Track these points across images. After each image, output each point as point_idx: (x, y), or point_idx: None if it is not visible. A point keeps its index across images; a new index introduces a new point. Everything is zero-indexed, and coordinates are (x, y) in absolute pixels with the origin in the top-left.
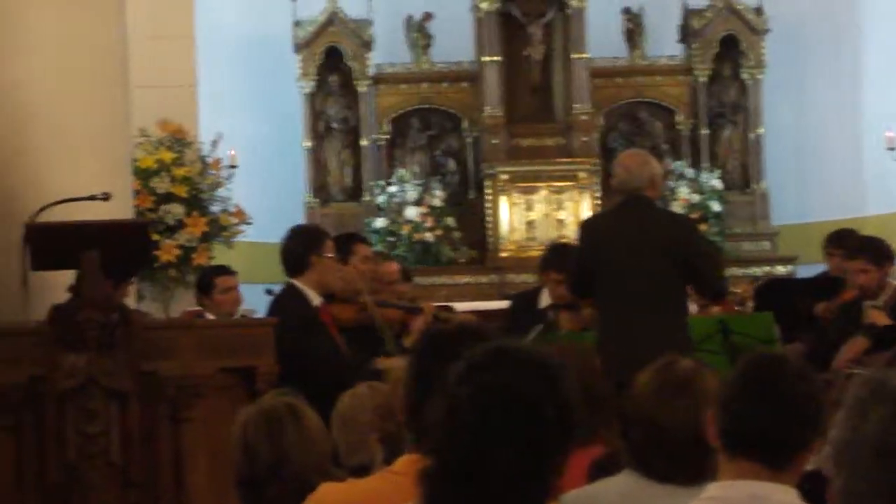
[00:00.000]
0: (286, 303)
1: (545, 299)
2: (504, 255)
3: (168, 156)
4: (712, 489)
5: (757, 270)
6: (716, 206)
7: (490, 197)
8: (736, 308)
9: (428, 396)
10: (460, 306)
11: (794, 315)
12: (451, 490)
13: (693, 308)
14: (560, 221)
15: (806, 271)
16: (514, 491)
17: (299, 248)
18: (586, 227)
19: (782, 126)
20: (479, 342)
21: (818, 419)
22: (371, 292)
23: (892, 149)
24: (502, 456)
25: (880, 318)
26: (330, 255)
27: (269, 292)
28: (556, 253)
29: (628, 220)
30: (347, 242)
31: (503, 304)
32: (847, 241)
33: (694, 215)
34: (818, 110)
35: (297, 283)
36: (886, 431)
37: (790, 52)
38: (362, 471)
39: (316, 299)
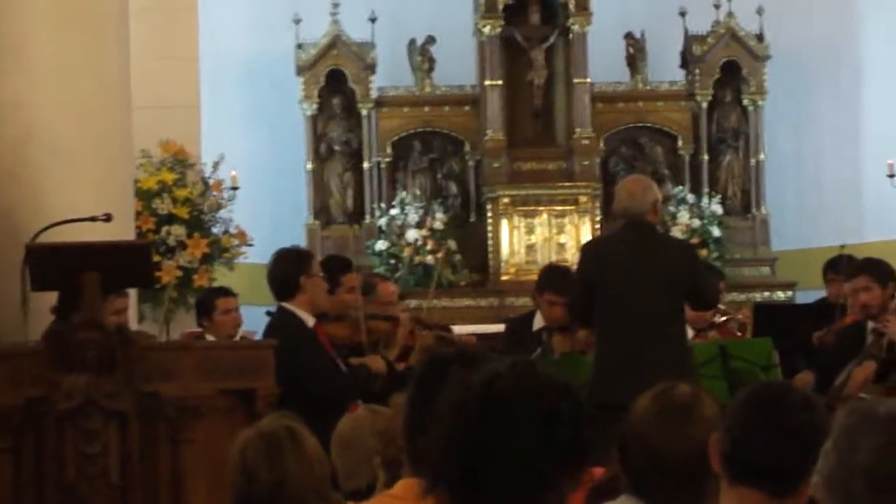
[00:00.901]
0: (281, 326)
1: (539, 321)
2: (505, 278)
3: (170, 177)
4: None
5: (757, 296)
6: (716, 232)
7: (491, 220)
8: (736, 334)
9: (427, 420)
10: (459, 329)
11: (794, 341)
12: (453, 482)
13: (689, 333)
14: (561, 245)
15: (805, 297)
16: (515, 493)
17: (288, 271)
18: (587, 251)
19: (783, 152)
20: (478, 366)
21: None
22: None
23: (892, 175)
24: (512, 461)
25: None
26: (318, 274)
27: (269, 314)
28: (553, 274)
29: (630, 244)
30: (334, 273)
31: (502, 327)
32: (846, 266)
33: (694, 240)
34: (819, 137)
35: (289, 305)
36: (879, 461)
37: (791, 79)
38: (361, 495)
39: (310, 320)
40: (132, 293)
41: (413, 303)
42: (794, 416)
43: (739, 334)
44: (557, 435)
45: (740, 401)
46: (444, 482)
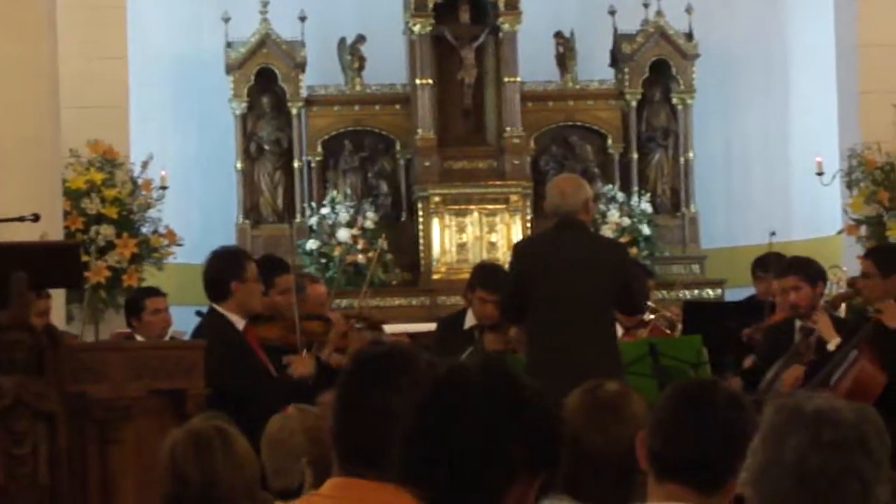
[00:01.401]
0: (209, 330)
1: (470, 319)
2: (436, 277)
3: (98, 176)
4: None
5: (686, 294)
6: (645, 230)
7: (422, 219)
8: (666, 331)
9: (355, 418)
10: (390, 328)
11: (723, 338)
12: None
13: (619, 331)
14: (492, 244)
15: (734, 295)
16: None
17: (219, 275)
18: (519, 249)
19: (712, 150)
20: (409, 364)
21: (748, 445)
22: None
23: (820, 173)
24: (485, 459)
25: (825, 323)
26: (251, 279)
27: (199, 314)
28: (484, 272)
29: (562, 243)
30: (268, 274)
31: (434, 326)
32: (775, 264)
33: (624, 239)
34: (747, 135)
35: (220, 308)
36: (804, 457)
37: (720, 78)
38: (291, 494)
39: (240, 323)
40: (61, 294)
41: (344, 302)
42: (719, 412)
43: (669, 332)
44: (525, 431)
45: (667, 397)
46: (409, 480)
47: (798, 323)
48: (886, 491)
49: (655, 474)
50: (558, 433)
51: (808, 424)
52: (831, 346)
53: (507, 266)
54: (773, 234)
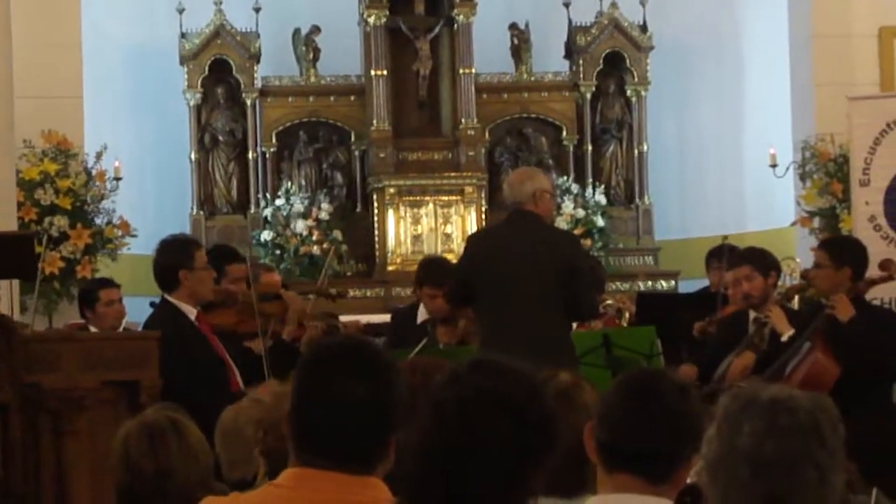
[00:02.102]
0: (160, 321)
1: (422, 314)
2: (391, 268)
3: (52, 167)
4: (591, 503)
5: (640, 285)
6: (600, 222)
7: (377, 210)
8: (616, 321)
9: (311, 409)
10: (345, 319)
11: (676, 330)
12: (432, 490)
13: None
14: (447, 235)
15: (687, 286)
16: (496, 495)
17: (168, 264)
18: (472, 240)
19: (666, 142)
20: (365, 355)
21: (697, 434)
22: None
23: (773, 165)
24: (486, 460)
25: (778, 316)
26: (200, 267)
27: (153, 305)
28: (429, 268)
29: (512, 234)
30: (219, 262)
31: (389, 317)
32: (728, 255)
33: (578, 231)
34: (701, 127)
35: (171, 298)
36: (760, 444)
37: (674, 70)
38: (246, 485)
39: (192, 312)
40: (14, 284)
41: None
42: (667, 402)
43: (618, 321)
44: (528, 434)
45: (614, 389)
46: (416, 490)
47: (752, 314)
48: (841, 479)
49: (604, 465)
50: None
51: (763, 412)
52: (785, 338)
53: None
54: (725, 237)
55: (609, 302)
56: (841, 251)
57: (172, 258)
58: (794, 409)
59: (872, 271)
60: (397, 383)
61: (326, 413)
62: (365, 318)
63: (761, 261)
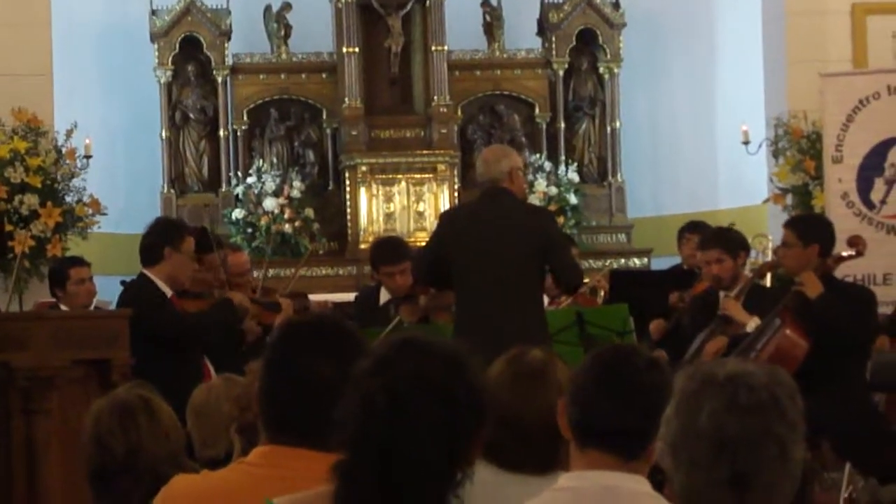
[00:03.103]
0: (135, 291)
1: (385, 295)
2: (363, 246)
3: (22, 145)
4: (564, 480)
5: (613, 263)
6: (572, 199)
7: (349, 188)
8: (590, 299)
9: (282, 387)
10: (315, 297)
11: (649, 306)
12: (367, 479)
13: (546, 300)
14: (419, 213)
15: (660, 264)
16: (430, 476)
17: (155, 238)
18: (445, 218)
19: (638, 120)
20: (335, 333)
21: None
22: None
23: (746, 142)
24: (418, 442)
25: (735, 309)
26: (186, 252)
27: (123, 283)
28: (380, 248)
29: (486, 211)
30: (197, 251)
31: None
32: (701, 231)
33: (551, 208)
34: (673, 104)
35: (149, 273)
36: (720, 424)
37: (646, 47)
38: (217, 463)
39: (167, 291)
40: None
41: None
42: (639, 378)
43: (591, 298)
44: (459, 413)
45: (586, 365)
46: (350, 477)
47: (722, 294)
48: (802, 450)
49: (577, 442)
50: (487, 391)
51: (721, 390)
52: (751, 328)
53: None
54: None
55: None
56: (807, 229)
57: (162, 234)
58: (752, 386)
59: (841, 248)
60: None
61: (294, 391)
62: (334, 298)
63: (730, 243)
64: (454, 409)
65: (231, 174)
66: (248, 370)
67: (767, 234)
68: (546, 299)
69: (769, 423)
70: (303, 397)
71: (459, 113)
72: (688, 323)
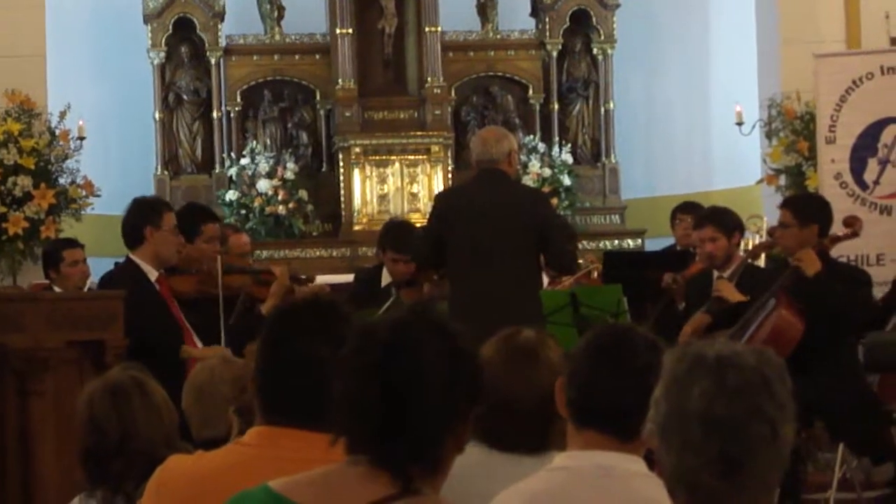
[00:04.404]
0: (119, 279)
1: (386, 277)
2: (357, 228)
3: (16, 127)
4: (559, 459)
5: (607, 244)
6: (566, 180)
7: (343, 170)
8: (590, 277)
9: (278, 367)
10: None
11: (643, 287)
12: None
13: (544, 280)
14: (413, 195)
15: (654, 245)
16: (425, 449)
17: (134, 221)
18: (440, 198)
19: (632, 101)
20: (331, 314)
21: None
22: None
23: (739, 123)
24: (416, 415)
25: (728, 290)
26: (167, 228)
27: (117, 265)
28: (392, 233)
29: (483, 192)
30: (194, 222)
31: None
32: (695, 211)
33: (545, 189)
34: (667, 85)
35: (134, 257)
36: (711, 404)
37: (640, 28)
38: (216, 443)
39: (153, 273)
40: None
41: (265, 254)
42: (637, 359)
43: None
44: (463, 369)
45: (584, 344)
46: (353, 431)
47: (716, 274)
48: (792, 430)
49: (574, 422)
50: (480, 369)
51: (711, 371)
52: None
53: (422, 221)
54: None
55: (580, 261)
56: (805, 209)
57: (141, 215)
58: (741, 367)
59: (837, 228)
60: None
61: (289, 372)
62: (331, 279)
63: (725, 222)
64: (449, 387)
65: (224, 156)
66: (247, 352)
67: (761, 215)
68: (545, 279)
69: (759, 404)
70: (298, 378)
71: (453, 94)
72: (682, 304)
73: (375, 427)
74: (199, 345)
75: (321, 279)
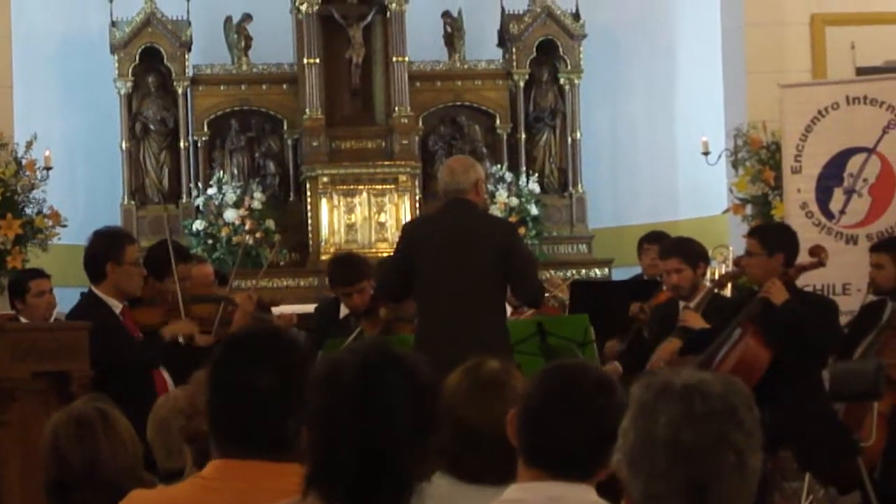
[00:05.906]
0: (82, 311)
1: (345, 309)
2: (325, 257)
3: None
4: (510, 492)
5: (574, 273)
6: (534, 210)
7: (310, 199)
8: (556, 310)
9: (226, 400)
10: (278, 310)
11: (610, 316)
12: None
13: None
14: (381, 224)
15: (621, 274)
16: (398, 484)
17: (95, 256)
18: (408, 228)
19: (599, 130)
20: (276, 343)
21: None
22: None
23: (705, 153)
24: (386, 442)
25: (694, 320)
26: (130, 262)
27: (83, 295)
28: (337, 268)
29: (450, 222)
30: (165, 265)
31: None
32: (661, 241)
33: (512, 219)
34: (634, 115)
35: (97, 290)
36: (678, 431)
37: (606, 58)
38: (178, 475)
39: (117, 307)
40: None
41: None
42: (588, 402)
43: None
44: (429, 409)
45: (535, 383)
46: (327, 486)
47: (682, 304)
48: (759, 459)
49: (523, 458)
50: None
51: (678, 399)
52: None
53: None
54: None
55: (559, 294)
56: (772, 238)
57: (101, 250)
58: (708, 395)
59: (803, 257)
60: (304, 370)
61: (236, 402)
62: (298, 309)
63: (689, 253)
64: (420, 433)
65: (191, 185)
66: (193, 379)
67: (727, 245)
68: (508, 309)
69: (725, 431)
70: (246, 410)
71: (420, 124)
72: (649, 332)
73: (350, 484)
74: (167, 376)
75: (288, 309)
